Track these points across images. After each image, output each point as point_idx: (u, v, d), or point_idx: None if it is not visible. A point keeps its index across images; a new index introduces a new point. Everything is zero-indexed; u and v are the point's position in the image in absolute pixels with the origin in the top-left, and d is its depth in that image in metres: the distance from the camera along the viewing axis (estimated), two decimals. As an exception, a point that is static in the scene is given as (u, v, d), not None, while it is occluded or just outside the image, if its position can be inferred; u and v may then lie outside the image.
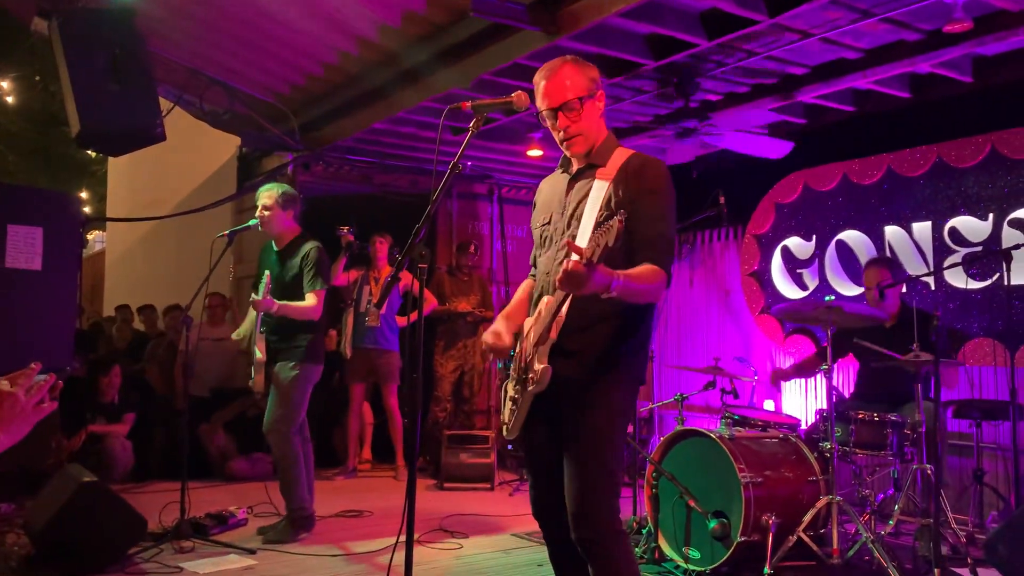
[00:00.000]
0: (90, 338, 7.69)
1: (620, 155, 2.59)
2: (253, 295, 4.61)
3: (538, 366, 2.49)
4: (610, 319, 2.50)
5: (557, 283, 2.24)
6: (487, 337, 2.67)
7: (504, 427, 2.70)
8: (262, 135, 7.02)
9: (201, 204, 7.54)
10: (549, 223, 2.70)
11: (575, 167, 2.67)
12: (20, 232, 3.94)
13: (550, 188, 2.78)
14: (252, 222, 4.72)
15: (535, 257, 2.79)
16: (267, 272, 4.64)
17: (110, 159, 10.31)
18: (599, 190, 2.53)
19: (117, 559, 3.99)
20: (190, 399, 6.79)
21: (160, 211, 8.22)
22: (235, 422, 6.90)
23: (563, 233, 2.60)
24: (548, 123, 2.60)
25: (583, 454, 2.49)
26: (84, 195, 16.87)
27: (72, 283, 5.14)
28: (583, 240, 2.47)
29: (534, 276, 2.81)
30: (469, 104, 2.46)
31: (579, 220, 2.55)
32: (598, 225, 2.45)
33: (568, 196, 2.64)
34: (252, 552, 4.34)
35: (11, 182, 14.04)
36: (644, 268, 2.40)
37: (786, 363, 6.37)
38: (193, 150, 8.26)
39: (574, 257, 2.19)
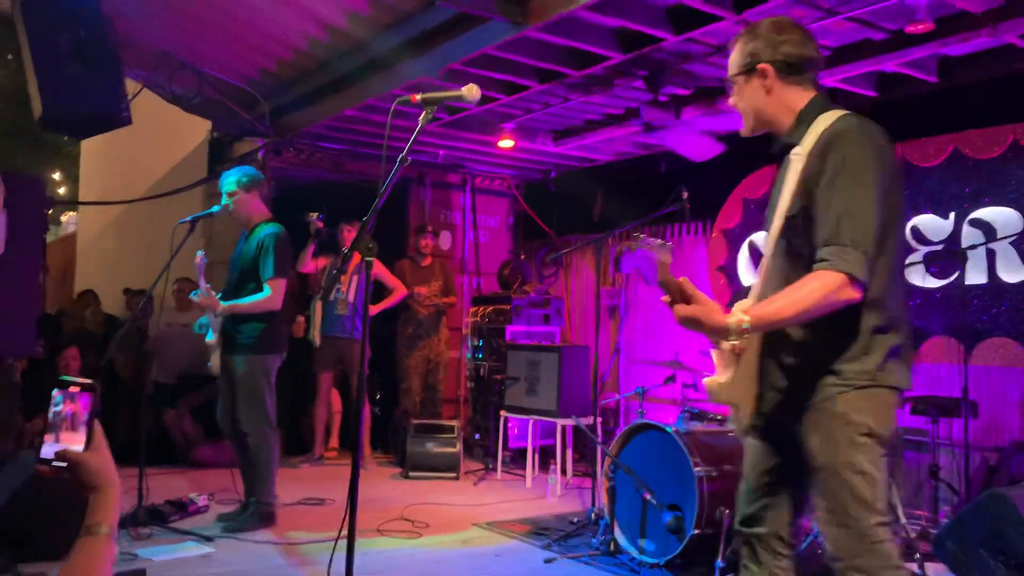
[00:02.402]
0: (55, 322, 7.61)
1: (819, 125, 2.19)
2: (197, 291, 4.57)
3: (719, 378, 2.32)
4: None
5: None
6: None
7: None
8: (233, 120, 6.97)
9: (172, 188, 7.49)
10: (768, 216, 2.35)
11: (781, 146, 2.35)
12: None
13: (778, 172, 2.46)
14: (215, 208, 4.71)
15: None
16: (199, 253, 4.61)
17: (83, 141, 10.19)
18: (792, 174, 2.19)
19: (70, 547, 3.96)
20: (156, 385, 6.80)
21: (132, 194, 8.14)
22: (202, 408, 6.86)
23: (767, 226, 2.30)
24: None
25: (829, 489, 2.16)
26: (57, 176, 16.70)
27: (36, 268, 5.11)
28: (771, 242, 2.23)
29: None
30: (418, 97, 2.45)
31: (773, 220, 2.23)
32: (788, 222, 2.18)
33: (776, 185, 2.33)
34: (210, 540, 4.34)
35: (-16, 162, 13.89)
36: (803, 285, 2.04)
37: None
38: (165, 134, 8.18)
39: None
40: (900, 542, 4.12)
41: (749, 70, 2.31)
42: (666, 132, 5.68)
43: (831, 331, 2.11)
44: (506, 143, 6.86)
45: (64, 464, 1.38)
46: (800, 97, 2.29)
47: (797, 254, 2.18)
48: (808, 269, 2.09)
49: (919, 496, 5.05)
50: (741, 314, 2.02)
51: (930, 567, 3.86)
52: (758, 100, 2.32)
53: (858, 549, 2.09)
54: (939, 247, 5.32)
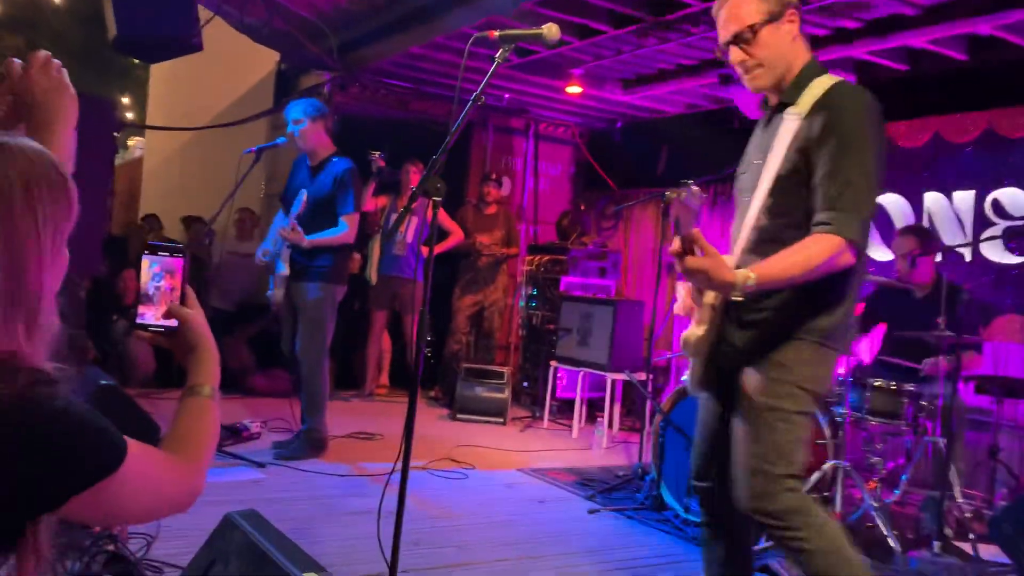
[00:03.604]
0: (120, 244, 7.78)
1: (819, 85, 2.19)
2: (283, 226, 4.61)
3: (695, 329, 2.30)
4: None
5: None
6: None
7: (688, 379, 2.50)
8: (301, 52, 6.95)
9: (238, 118, 7.53)
10: (746, 173, 2.38)
11: (771, 105, 2.33)
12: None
13: (757, 130, 2.44)
14: (280, 139, 4.72)
15: None
16: (303, 191, 4.63)
17: (152, 66, 10.29)
18: (786, 135, 2.18)
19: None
20: (214, 311, 6.92)
21: (198, 122, 8.21)
22: (258, 337, 6.99)
23: (751, 184, 2.29)
24: (730, 60, 2.30)
25: (756, 430, 2.21)
26: (126, 100, 16.93)
27: (104, 190, 5.19)
28: (759, 198, 2.22)
29: None
30: (496, 33, 2.37)
31: (762, 174, 2.23)
32: (778, 182, 2.18)
33: (760, 142, 2.33)
34: (262, 466, 4.43)
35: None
36: (808, 247, 2.07)
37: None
38: (233, 63, 8.20)
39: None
40: (954, 521, 4.04)
41: (779, 15, 2.21)
42: (739, 87, 5.50)
43: (800, 290, 2.15)
44: (574, 89, 6.74)
45: (162, 328, 1.38)
46: (805, 54, 2.28)
47: (781, 213, 2.19)
48: (795, 229, 2.13)
49: (976, 475, 4.94)
50: (748, 271, 2.02)
51: (983, 548, 3.77)
52: (784, 48, 2.23)
53: (768, 496, 2.16)
54: (1020, 222, 5.10)
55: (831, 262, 2.06)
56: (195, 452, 1.29)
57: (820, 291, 2.15)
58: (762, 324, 2.22)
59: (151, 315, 1.39)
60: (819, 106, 2.15)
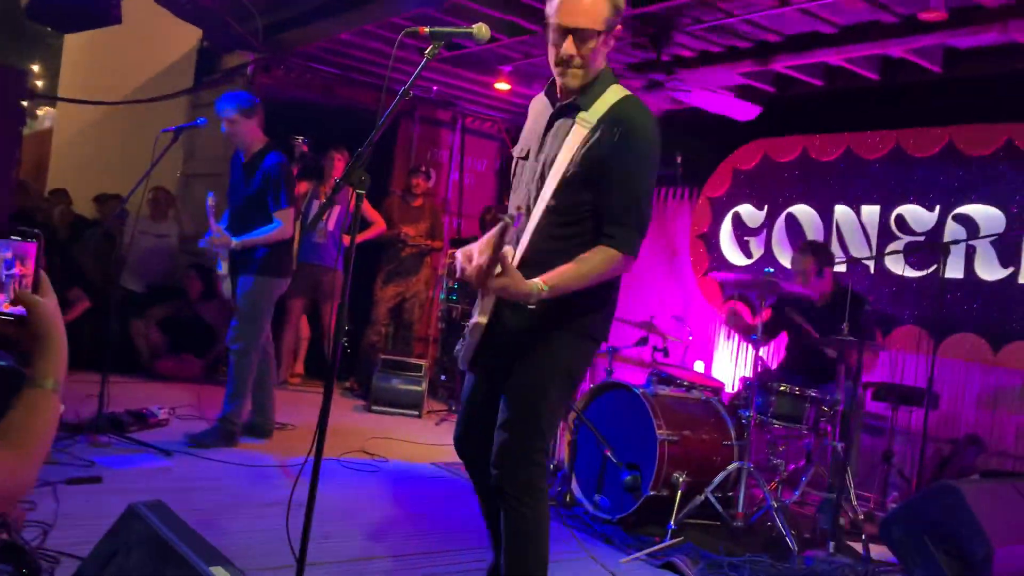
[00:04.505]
0: (25, 217, 7.46)
1: (609, 96, 2.37)
2: (209, 236, 4.56)
3: (479, 319, 2.45)
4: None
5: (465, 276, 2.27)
6: (461, 258, 2.46)
7: (456, 354, 2.67)
8: (225, 31, 6.77)
9: (156, 94, 7.30)
10: (526, 158, 2.54)
11: (560, 99, 2.46)
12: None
13: (535, 115, 2.59)
14: (200, 120, 4.63)
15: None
16: (209, 195, 4.59)
17: (66, 36, 9.88)
18: (573, 139, 2.35)
19: None
20: (124, 292, 6.71)
21: (113, 96, 7.92)
22: (168, 320, 6.81)
23: (533, 178, 2.45)
24: (551, 37, 2.38)
25: (517, 406, 2.43)
26: (36, 68, 16.21)
27: (11, 161, 4.98)
28: (546, 194, 2.37)
29: None
30: (427, 29, 2.37)
31: (548, 169, 2.39)
32: (563, 181, 2.35)
33: (547, 135, 2.46)
34: (169, 454, 4.33)
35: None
36: (592, 260, 2.31)
37: (721, 330, 6.50)
38: (153, 38, 7.94)
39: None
40: (848, 521, 4.22)
41: (611, 30, 2.35)
42: (696, 95, 5.60)
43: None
44: (502, 86, 6.76)
45: (11, 316, 1.31)
46: (604, 64, 2.43)
47: (561, 211, 2.38)
48: (575, 225, 2.37)
49: (871, 478, 5.16)
50: (540, 282, 2.24)
51: (874, 548, 3.95)
52: (600, 60, 2.40)
53: (522, 463, 2.41)
54: (921, 238, 5.35)
55: (611, 273, 2.37)
56: (26, 444, 1.24)
57: (590, 292, 2.38)
58: (535, 315, 2.38)
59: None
60: (615, 119, 2.33)
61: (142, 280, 6.97)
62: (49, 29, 13.47)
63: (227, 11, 6.47)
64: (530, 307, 2.31)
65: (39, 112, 15.15)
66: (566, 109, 2.42)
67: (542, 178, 2.40)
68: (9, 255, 1.32)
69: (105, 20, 4.95)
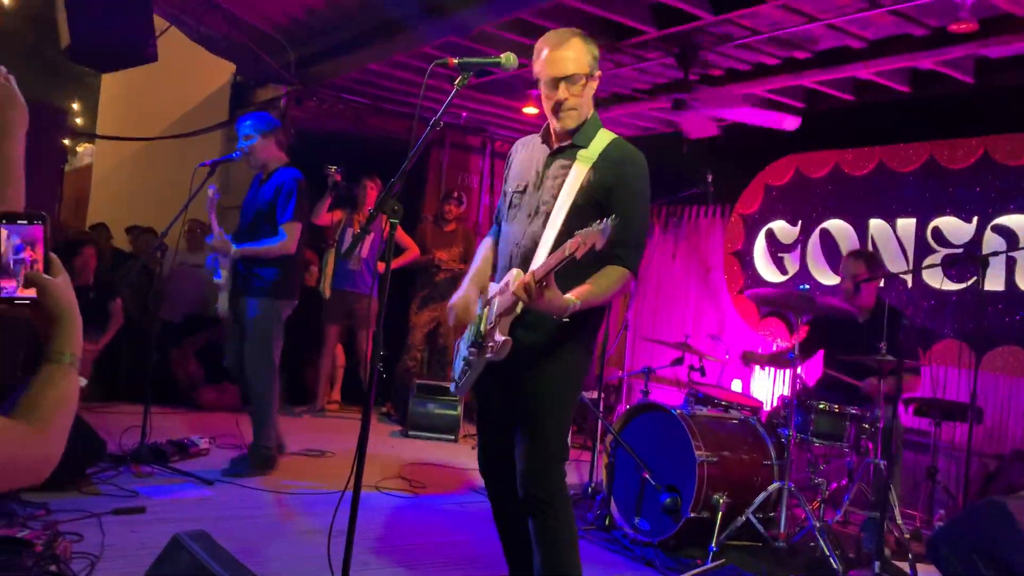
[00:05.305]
0: (66, 252, 7.62)
1: (602, 139, 2.64)
2: (212, 235, 4.55)
3: (500, 337, 2.55)
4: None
5: (513, 292, 2.40)
6: (458, 307, 2.74)
7: (454, 383, 2.82)
8: (258, 65, 6.93)
9: (191, 129, 7.45)
10: (524, 192, 2.73)
11: (555, 142, 2.70)
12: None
13: (527, 155, 2.81)
14: (236, 154, 4.67)
15: (499, 218, 2.86)
16: (211, 188, 4.53)
17: (104, 74, 10.14)
18: (577, 174, 2.59)
19: (73, 478, 4.00)
20: (162, 323, 6.82)
21: (150, 132, 8.11)
22: (206, 350, 6.90)
23: (537, 209, 2.65)
24: (544, 91, 2.63)
25: (539, 415, 2.61)
26: (75, 106, 16.60)
27: (52, 197, 5.12)
28: (556, 221, 2.58)
29: (494, 236, 2.87)
30: (456, 60, 2.42)
31: (555, 200, 2.61)
32: (573, 209, 2.56)
33: (547, 171, 2.68)
34: (210, 483, 4.37)
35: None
36: (609, 277, 2.53)
37: (759, 348, 6.43)
38: (188, 74, 8.13)
39: (538, 264, 2.39)
40: (893, 540, 4.15)
41: (592, 72, 2.61)
42: (690, 112, 5.60)
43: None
44: (531, 110, 6.80)
45: (26, 300, 1.30)
46: (591, 108, 2.70)
47: (571, 236, 2.45)
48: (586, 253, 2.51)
49: (915, 496, 5.07)
50: (573, 297, 2.43)
51: (921, 567, 3.88)
52: (589, 100, 2.66)
53: (551, 470, 2.60)
54: (959, 250, 5.28)
55: (623, 289, 2.62)
56: (44, 417, 1.24)
57: (594, 308, 2.59)
58: (550, 332, 2.59)
59: (11, 288, 1.30)
60: (615, 154, 2.61)
61: (179, 311, 7.08)
62: (86, 69, 13.83)
63: (260, 46, 6.61)
64: (541, 325, 2.55)
65: (79, 149, 15.50)
66: (566, 148, 2.66)
67: (549, 208, 2.61)
68: (18, 241, 1.32)
69: (142, 59, 5.08)
